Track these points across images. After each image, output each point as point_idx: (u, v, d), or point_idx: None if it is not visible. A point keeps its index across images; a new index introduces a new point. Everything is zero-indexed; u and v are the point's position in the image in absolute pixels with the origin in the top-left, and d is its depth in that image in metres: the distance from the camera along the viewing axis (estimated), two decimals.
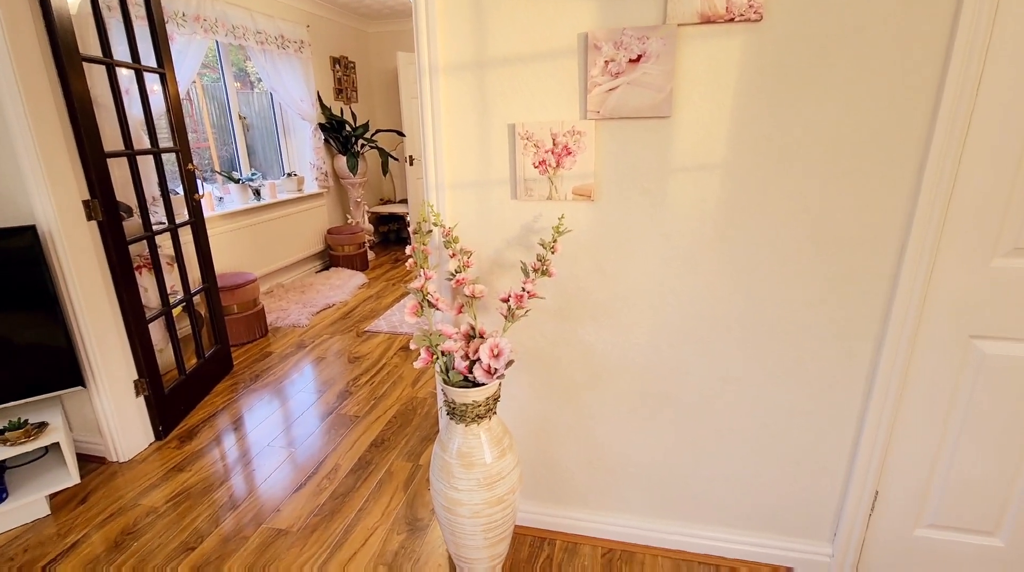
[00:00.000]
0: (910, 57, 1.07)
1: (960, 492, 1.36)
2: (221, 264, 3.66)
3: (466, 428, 1.30)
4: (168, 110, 2.38)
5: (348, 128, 4.87)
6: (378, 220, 5.80)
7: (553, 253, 1.29)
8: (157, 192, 2.42)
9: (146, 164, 2.40)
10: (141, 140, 2.41)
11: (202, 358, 2.60)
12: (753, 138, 1.19)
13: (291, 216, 4.42)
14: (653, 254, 1.33)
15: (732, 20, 1.12)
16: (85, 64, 1.90)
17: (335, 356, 3.05)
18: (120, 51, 2.16)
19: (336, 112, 5.01)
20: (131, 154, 2.11)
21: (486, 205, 1.40)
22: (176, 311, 2.68)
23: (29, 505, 1.76)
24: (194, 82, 3.85)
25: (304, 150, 4.75)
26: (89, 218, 1.90)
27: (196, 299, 2.87)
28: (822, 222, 1.21)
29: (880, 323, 1.26)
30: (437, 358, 1.31)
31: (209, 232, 3.54)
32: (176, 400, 2.33)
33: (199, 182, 3.91)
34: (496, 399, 1.32)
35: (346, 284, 4.33)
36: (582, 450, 1.56)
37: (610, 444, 1.54)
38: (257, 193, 4.10)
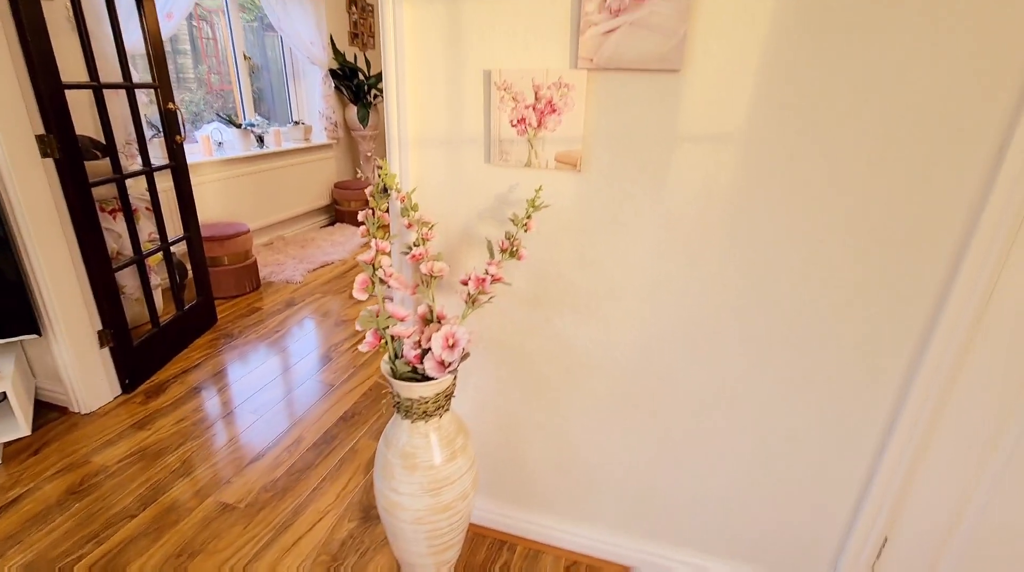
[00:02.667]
0: None
1: (989, 542, 1.15)
2: (216, 212, 3.53)
3: (412, 425, 1.14)
4: (145, 40, 2.18)
5: (361, 76, 4.62)
6: None
7: (526, 231, 1.08)
8: (138, 132, 2.25)
9: (130, 101, 2.22)
10: (128, 74, 2.22)
11: (181, 310, 2.49)
12: (784, 101, 0.94)
13: (296, 166, 4.24)
14: (648, 239, 1.11)
15: None
16: None
17: (323, 317, 2.92)
18: None
19: (349, 59, 4.74)
20: (96, 87, 1.94)
21: (456, 168, 1.18)
22: (155, 260, 2.57)
23: None
24: (218, 21, 3.66)
25: (313, 98, 4.53)
26: (44, 155, 1.75)
27: (181, 249, 2.76)
28: (861, 210, 0.97)
29: (919, 339, 1.03)
30: (386, 343, 1.13)
31: (206, 178, 3.42)
32: (147, 353, 2.24)
33: (207, 124, 3.76)
34: (449, 396, 1.15)
35: (348, 242, 4.18)
36: (552, 452, 1.39)
37: (584, 449, 1.36)
38: (260, 140, 3.93)
